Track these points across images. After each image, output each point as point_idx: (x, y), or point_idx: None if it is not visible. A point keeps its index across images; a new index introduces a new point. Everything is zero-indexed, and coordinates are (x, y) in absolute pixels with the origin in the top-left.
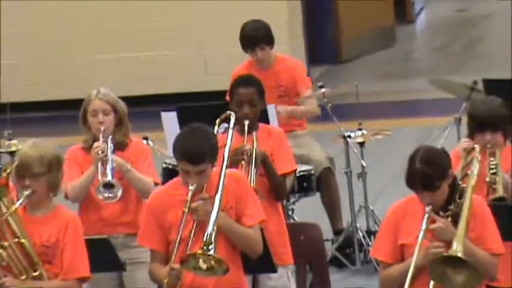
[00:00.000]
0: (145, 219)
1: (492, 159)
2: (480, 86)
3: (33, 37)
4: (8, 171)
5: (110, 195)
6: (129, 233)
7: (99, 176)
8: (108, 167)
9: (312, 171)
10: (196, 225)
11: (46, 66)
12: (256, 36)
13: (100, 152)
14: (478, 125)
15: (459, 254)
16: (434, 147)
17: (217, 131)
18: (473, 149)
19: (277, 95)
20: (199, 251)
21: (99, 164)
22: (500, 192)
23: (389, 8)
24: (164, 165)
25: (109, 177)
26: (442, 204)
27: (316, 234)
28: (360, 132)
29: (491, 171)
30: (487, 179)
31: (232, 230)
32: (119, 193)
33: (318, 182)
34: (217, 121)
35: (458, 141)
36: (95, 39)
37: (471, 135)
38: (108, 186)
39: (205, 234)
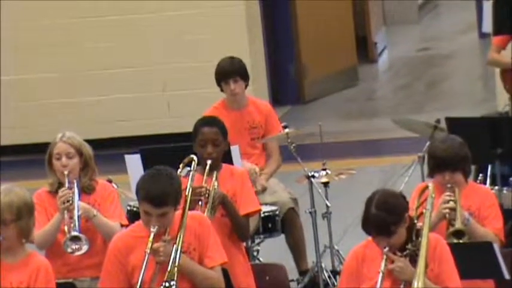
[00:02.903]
0: (107, 262)
1: (451, 194)
2: (443, 124)
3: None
4: None
5: (77, 246)
6: (95, 276)
7: (66, 226)
8: (75, 215)
9: (277, 212)
10: (158, 268)
11: (10, 110)
12: (230, 68)
13: (66, 201)
14: (437, 164)
15: None
16: (390, 191)
17: (179, 175)
18: (426, 187)
19: (250, 137)
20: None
21: (65, 212)
22: (458, 224)
23: (352, 48)
24: (128, 208)
25: (75, 231)
26: (400, 245)
27: (281, 274)
28: (324, 172)
29: (449, 206)
30: (446, 216)
31: (194, 272)
32: (85, 247)
33: (282, 223)
34: (181, 165)
35: (422, 180)
36: (58, 82)
37: (431, 175)
38: (75, 239)
39: (167, 272)
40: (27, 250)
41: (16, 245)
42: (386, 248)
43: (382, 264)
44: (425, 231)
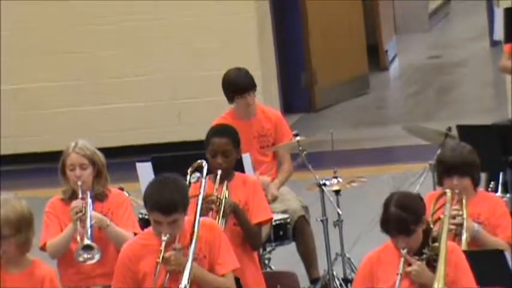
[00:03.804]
0: (118, 270)
1: (458, 207)
2: (454, 132)
3: (7, 91)
4: None
5: (89, 256)
6: (107, 285)
7: (78, 236)
8: (87, 225)
9: (288, 220)
10: (169, 276)
11: (22, 118)
12: (246, 81)
13: (78, 212)
14: (446, 170)
15: None
16: (409, 193)
17: (189, 181)
18: (444, 193)
19: (259, 145)
20: None
21: (78, 222)
22: (463, 246)
23: (363, 56)
24: (140, 216)
25: (88, 240)
26: (417, 249)
27: (292, 282)
28: (335, 180)
29: (456, 222)
30: (453, 231)
31: (205, 280)
32: (97, 256)
33: (293, 231)
34: (189, 170)
35: (433, 187)
36: (70, 91)
37: (440, 181)
38: (87, 248)
39: (181, 286)
40: (30, 259)
41: (17, 257)
42: (405, 250)
43: (401, 266)
44: (444, 236)
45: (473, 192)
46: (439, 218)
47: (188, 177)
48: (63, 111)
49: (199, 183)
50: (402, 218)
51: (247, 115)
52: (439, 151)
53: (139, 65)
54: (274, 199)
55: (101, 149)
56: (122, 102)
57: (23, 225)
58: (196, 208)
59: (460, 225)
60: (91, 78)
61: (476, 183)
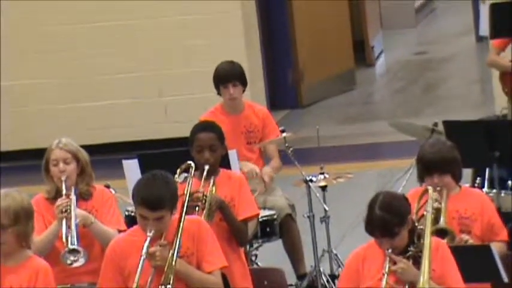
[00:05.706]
0: (105, 266)
1: (438, 198)
2: (441, 127)
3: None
4: None
5: (75, 258)
6: (93, 282)
7: (63, 234)
8: (73, 224)
9: (275, 216)
10: (154, 272)
11: (6, 116)
12: (231, 72)
13: (63, 211)
14: (426, 168)
15: (427, 286)
16: (393, 193)
17: (176, 180)
18: (426, 191)
19: (246, 141)
20: None
21: (63, 221)
22: (442, 224)
23: (349, 52)
24: (126, 213)
25: (73, 245)
26: (402, 248)
27: (279, 279)
28: (321, 176)
29: (435, 205)
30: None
31: (192, 277)
32: (83, 259)
33: (279, 229)
34: (178, 171)
35: (419, 183)
36: (55, 88)
37: (421, 178)
38: (73, 251)
39: (163, 276)
40: (28, 254)
41: (16, 250)
42: (390, 250)
43: (386, 265)
44: (427, 232)
45: (456, 187)
46: (423, 215)
47: (176, 176)
48: (49, 108)
49: (186, 184)
50: (386, 220)
51: (235, 110)
52: None
53: (126, 62)
54: (271, 179)
55: (88, 146)
56: (108, 99)
57: (21, 216)
58: (183, 206)
59: (438, 210)
60: (78, 76)
61: (457, 179)
